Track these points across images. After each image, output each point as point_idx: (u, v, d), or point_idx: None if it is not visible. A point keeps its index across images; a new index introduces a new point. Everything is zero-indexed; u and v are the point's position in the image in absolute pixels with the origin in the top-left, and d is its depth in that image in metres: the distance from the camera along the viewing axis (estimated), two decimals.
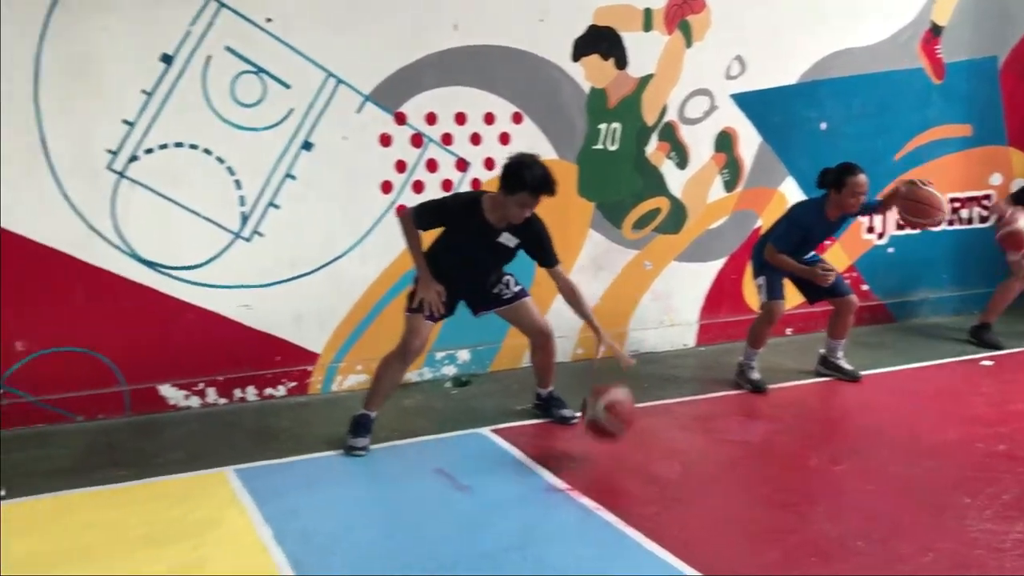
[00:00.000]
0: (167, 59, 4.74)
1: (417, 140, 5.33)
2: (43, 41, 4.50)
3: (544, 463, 4.26)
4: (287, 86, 5.01)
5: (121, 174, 4.74)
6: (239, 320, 5.09)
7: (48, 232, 4.64)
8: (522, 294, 4.63)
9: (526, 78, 5.51)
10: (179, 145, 4.83)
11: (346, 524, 3.71)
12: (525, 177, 4.13)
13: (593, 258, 5.85)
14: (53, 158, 4.60)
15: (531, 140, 5.47)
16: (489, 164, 5.45)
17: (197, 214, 4.92)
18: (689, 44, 5.86)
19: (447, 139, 5.39)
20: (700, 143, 6.03)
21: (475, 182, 5.47)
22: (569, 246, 5.59)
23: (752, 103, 6.10)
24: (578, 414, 4.44)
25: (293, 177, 5.10)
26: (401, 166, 5.32)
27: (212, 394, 5.09)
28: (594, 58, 5.67)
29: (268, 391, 5.23)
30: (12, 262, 4.58)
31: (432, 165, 5.39)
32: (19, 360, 4.65)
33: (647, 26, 5.75)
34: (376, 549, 3.50)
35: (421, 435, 4.67)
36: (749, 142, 6.14)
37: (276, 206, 5.10)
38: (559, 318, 5.05)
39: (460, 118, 5.40)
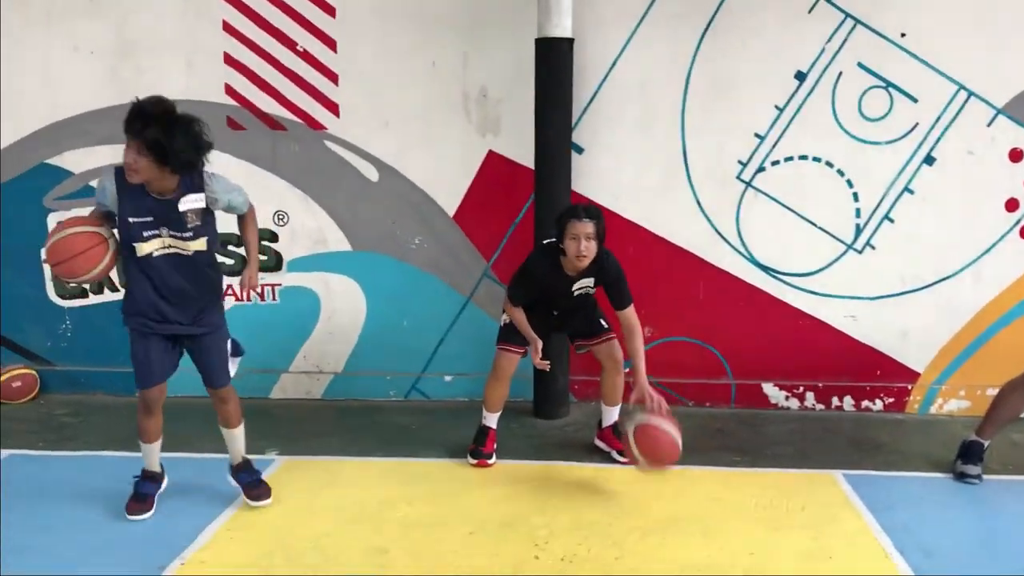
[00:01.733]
0: (800, 76, 5.00)
1: None
2: (694, 62, 5.05)
3: None
4: (914, 100, 4.97)
5: (748, 183, 5.12)
6: (843, 330, 5.20)
7: (681, 234, 5.20)
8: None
9: None
10: (803, 158, 5.07)
11: (968, 551, 3.60)
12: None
13: None
14: (691, 167, 5.13)
15: None
16: None
17: (813, 224, 5.12)
18: None
19: None
20: None
21: None
22: None
23: None
24: None
25: (911, 191, 5.05)
26: None
27: (811, 398, 5.27)
28: None
29: (865, 403, 5.26)
30: (653, 259, 5.22)
31: None
32: (646, 344, 5.28)
33: None
34: None
35: None
36: None
37: (891, 220, 5.09)
38: None
39: None
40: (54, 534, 3.76)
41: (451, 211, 5.32)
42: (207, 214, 3.72)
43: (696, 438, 4.82)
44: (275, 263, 5.43)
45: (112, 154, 5.33)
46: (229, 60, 5.22)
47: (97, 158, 5.37)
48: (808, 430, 4.98)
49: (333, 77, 5.24)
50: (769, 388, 5.30)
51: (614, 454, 4.51)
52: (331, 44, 5.20)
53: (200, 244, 3.70)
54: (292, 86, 5.25)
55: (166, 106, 3.49)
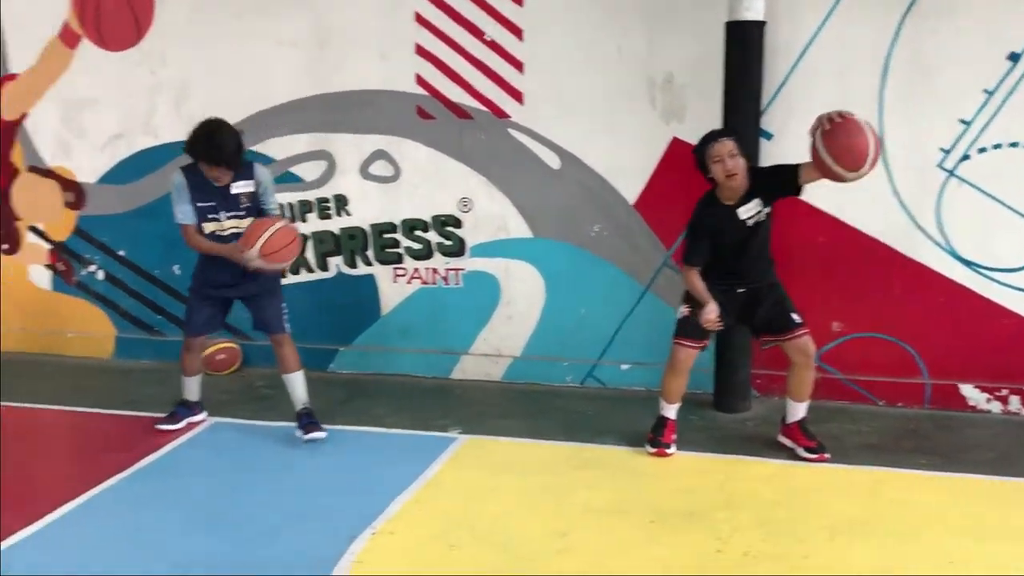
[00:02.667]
0: (1014, 57, 4.66)
1: None
2: (894, 45, 4.79)
3: None
4: None
5: (951, 172, 4.82)
6: None
7: (875, 224, 4.96)
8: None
9: None
10: (1014, 145, 4.73)
11: None
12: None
13: None
14: (888, 155, 4.89)
15: None
16: None
17: (1022, 215, 4.78)
18: None
19: None
20: None
21: None
22: None
23: None
24: None
25: None
26: None
27: (1015, 402, 4.92)
28: None
29: None
30: (844, 250, 5.00)
31: None
32: (835, 339, 5.09)
33: None
34: None
35: None
36: None
37: None
38: None
39: None
40: (254, 498, 4.03)
41: (632, 199, 5.30)
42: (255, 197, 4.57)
43: (887, 438, 4.62)
44: (459, 248, 5.59)
45: (311, 142, 5.65)
46: (420, 51, 5.39)
47: (296, 145, 5.69)
48: (1012, 435, 4.65)
49: (518, 65, 5.32)
50: (968, 389, 4.98)
51: (800, 451, 4.37)
52: (517, 32, 5.28)
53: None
54: (479, 75, 5.37)
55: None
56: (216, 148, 4.33)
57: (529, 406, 5.25)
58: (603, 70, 5.20)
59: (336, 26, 5.51)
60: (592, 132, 5.29)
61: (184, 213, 4.50)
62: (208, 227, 4.52)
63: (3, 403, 5.22)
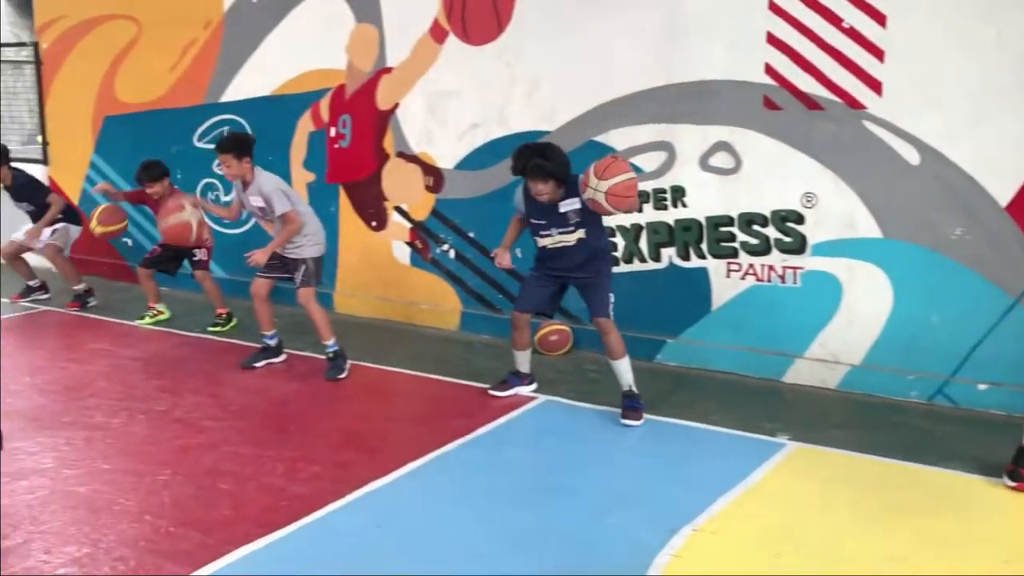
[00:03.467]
0: None
1: None
2: None
3: None
4: None
5: None
6: None
7: None
8: None
9: None
10: None
11: None
12: None
13: None
14: None
15: None
16: None
17: None
18: None
19: None
20: None
21: None
22: None
23: None
24: None
25: None
26: None
27: None
28: None
29: None
30: None
31: None
32: None
33: None
34: None
35: None
36: None
37: None
38: None
39: None
40: (580, 477, 4.15)
41: (1004, 201, 4.76)
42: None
43: None
44: (799, 245, 5.34)
45: (653, 132, 5.68)
46: (772, 40, 5.21)
47: (638, 136, 5.75)
48: None
49: (878, 53, 4.96)
50: None
51: None
52: (880, 18, 4.92)
53: None
54: (833, 64, 5.08)
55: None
56: (540, 159, 4.66)
57: (867, 419, 4.91)
58: (978, 57, 4.71)
59: (690, 16, 5.48)
60: (960, 126, 4.82)
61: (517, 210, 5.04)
62: (543, 242, 4.90)
63: (362, 363, 5.83)
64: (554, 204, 4.77)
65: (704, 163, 5.58)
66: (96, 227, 6.78)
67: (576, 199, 4.75)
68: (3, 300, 7.51)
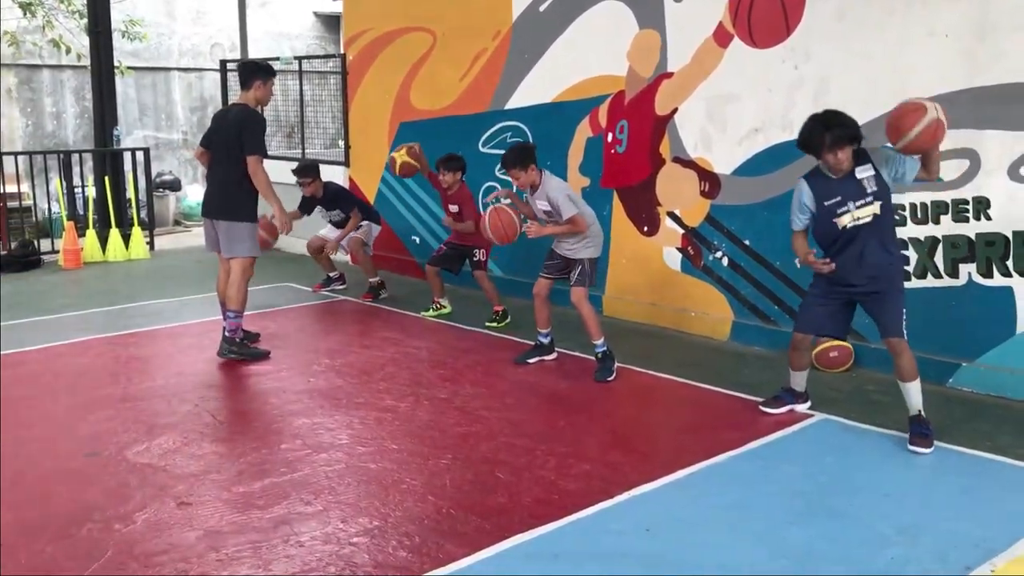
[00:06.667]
0: None
1: None
2: None
3: None
4: None
5: None
6: None
7: None
8: None
9: None
10: None
11: None
12: None
13: None
14: None
15: None
16: None
17: None
18: None
19: None
20: None
21: None
22: None
23: None
24: None
25: None
26: None
27: None
28: None
29: None
30: None
31: None
32: None
33: None
34: None
35: None
36: None
37: None
38: None
39: None
40: (860, 501, 3.93)
41: None
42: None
43: None
44: None
45: (954, 138, 5.25)
46: None
47: None
48: None
49: None
50: None
51: None
52: None
53: None
54: None
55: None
56: (839, 126, 4.41)
57: None
58: None
59: (1002, 13, 5.03)
60: None
61: (797, 220, 4.73)
62: (842, 221, 4.53)
63: (630, 367, 5.87)
64: (848, 176, 4.51)
65: (1014, 172, 5.09)
66: (401, 154, 7.16)
67: (868, 165, 4.51)
68: (306, 289, 8.35)
